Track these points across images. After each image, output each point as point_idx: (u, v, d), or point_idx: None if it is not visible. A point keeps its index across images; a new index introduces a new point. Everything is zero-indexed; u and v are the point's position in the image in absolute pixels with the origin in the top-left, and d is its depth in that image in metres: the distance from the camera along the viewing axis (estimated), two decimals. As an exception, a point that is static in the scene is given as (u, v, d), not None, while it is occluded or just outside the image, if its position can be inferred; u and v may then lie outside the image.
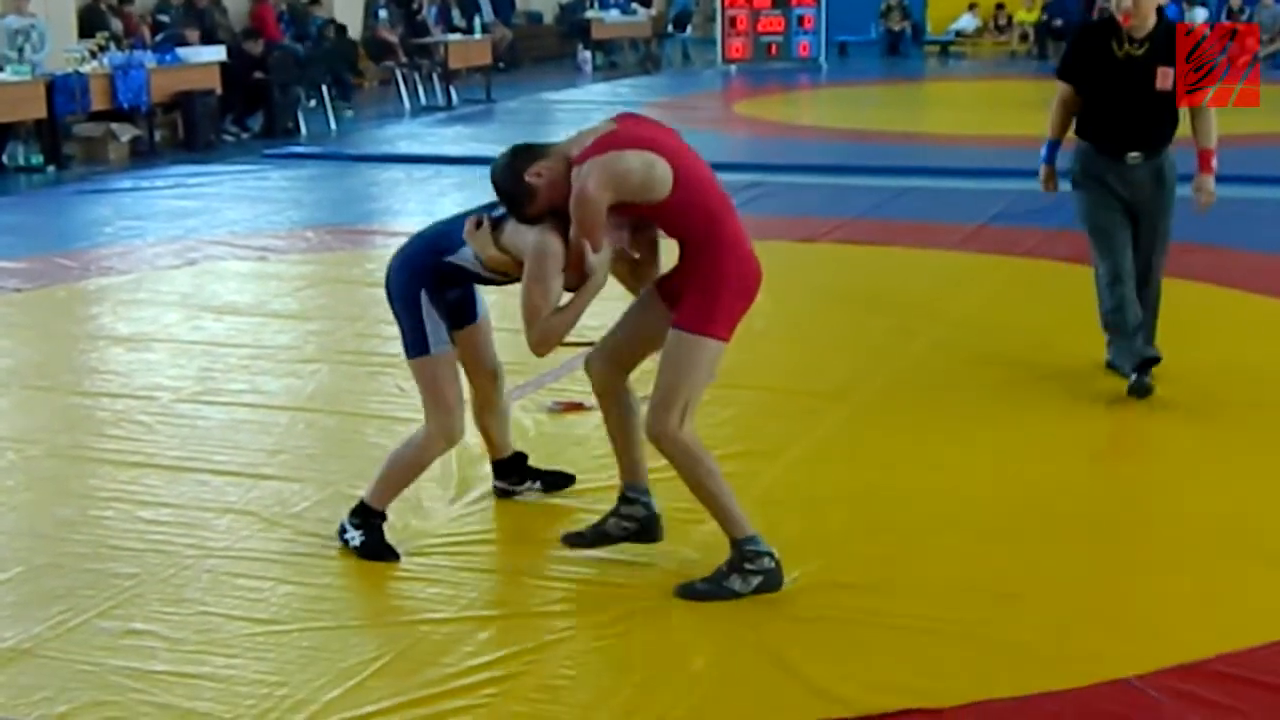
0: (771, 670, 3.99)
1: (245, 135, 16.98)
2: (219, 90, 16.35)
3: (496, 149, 4.54)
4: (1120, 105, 6.22)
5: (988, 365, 6.83)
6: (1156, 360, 6.25)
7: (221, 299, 8.53)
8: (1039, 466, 5.59)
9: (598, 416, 6.00)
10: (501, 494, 5.23)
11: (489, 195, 4.51)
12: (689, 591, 4.43)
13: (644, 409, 4.51)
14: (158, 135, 15.84)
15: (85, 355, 7.46)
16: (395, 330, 7.67)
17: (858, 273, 9.14)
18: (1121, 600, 4.48)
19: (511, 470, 5.25)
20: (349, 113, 18.44)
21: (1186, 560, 4.77)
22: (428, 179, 13.18)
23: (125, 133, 15.27)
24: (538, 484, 5.27)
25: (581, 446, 5.75)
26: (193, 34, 17.32)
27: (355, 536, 4.77)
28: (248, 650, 4.13)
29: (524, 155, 4.38)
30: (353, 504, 4.85)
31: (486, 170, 4.48)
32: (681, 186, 4.26)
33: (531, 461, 5.30)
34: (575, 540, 4.76)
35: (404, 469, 4.81)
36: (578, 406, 6.18)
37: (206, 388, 6.67)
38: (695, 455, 4.40)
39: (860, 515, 5.01)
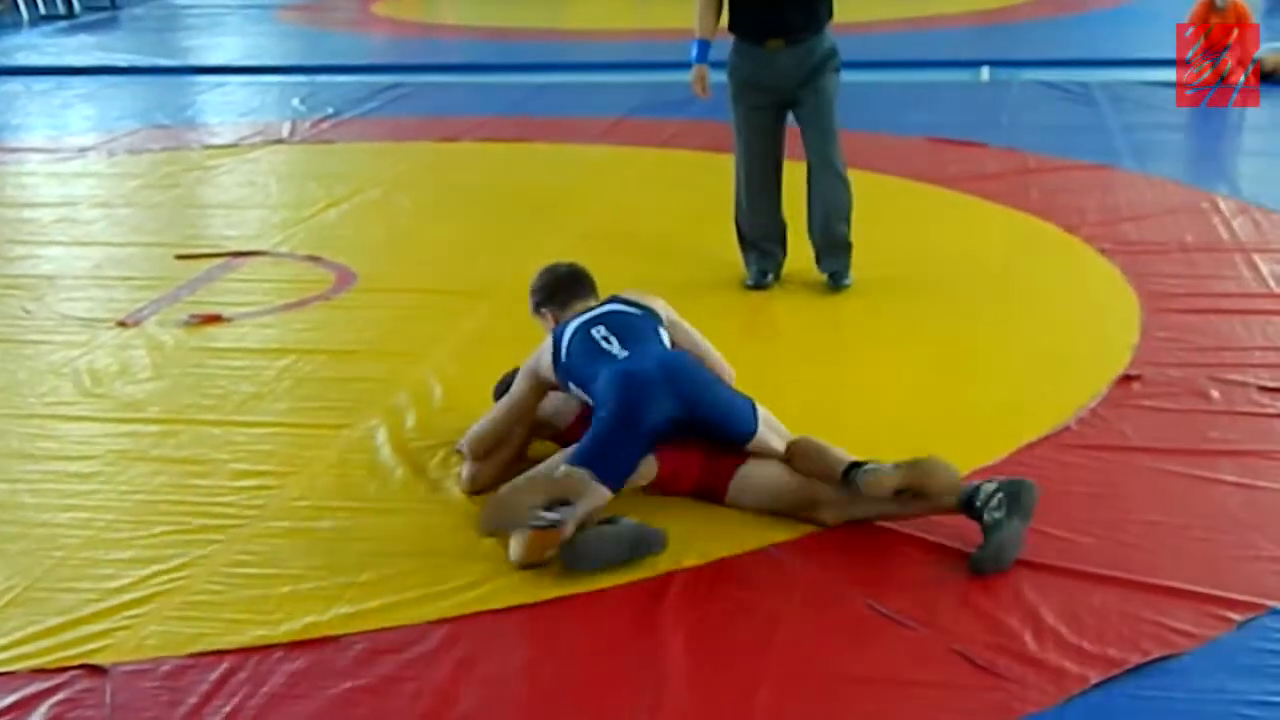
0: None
1: None
2: None
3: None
4: None
5: (632, 254, 6.90)
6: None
7: None
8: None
9: (237, 329, 5.94)
10: None
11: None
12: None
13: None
14: None
15: None
16: (21, 250, 7.45)
17: (500, 170, 9.14)
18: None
19: None
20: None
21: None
22: (49, 91, 12.52)
23: None
24: None
25: (221, 359, 5.64)
26: None
27: None
28: None
29: (562, 292, 4.79)
30: None
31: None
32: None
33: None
34: None
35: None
36: (216, 319, 6.06)
37: None
38: None
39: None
